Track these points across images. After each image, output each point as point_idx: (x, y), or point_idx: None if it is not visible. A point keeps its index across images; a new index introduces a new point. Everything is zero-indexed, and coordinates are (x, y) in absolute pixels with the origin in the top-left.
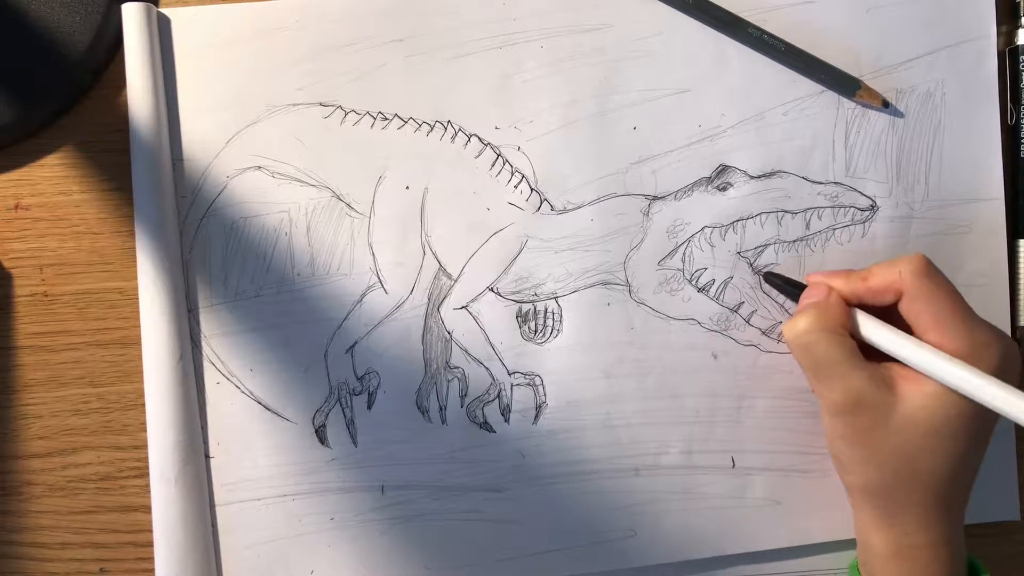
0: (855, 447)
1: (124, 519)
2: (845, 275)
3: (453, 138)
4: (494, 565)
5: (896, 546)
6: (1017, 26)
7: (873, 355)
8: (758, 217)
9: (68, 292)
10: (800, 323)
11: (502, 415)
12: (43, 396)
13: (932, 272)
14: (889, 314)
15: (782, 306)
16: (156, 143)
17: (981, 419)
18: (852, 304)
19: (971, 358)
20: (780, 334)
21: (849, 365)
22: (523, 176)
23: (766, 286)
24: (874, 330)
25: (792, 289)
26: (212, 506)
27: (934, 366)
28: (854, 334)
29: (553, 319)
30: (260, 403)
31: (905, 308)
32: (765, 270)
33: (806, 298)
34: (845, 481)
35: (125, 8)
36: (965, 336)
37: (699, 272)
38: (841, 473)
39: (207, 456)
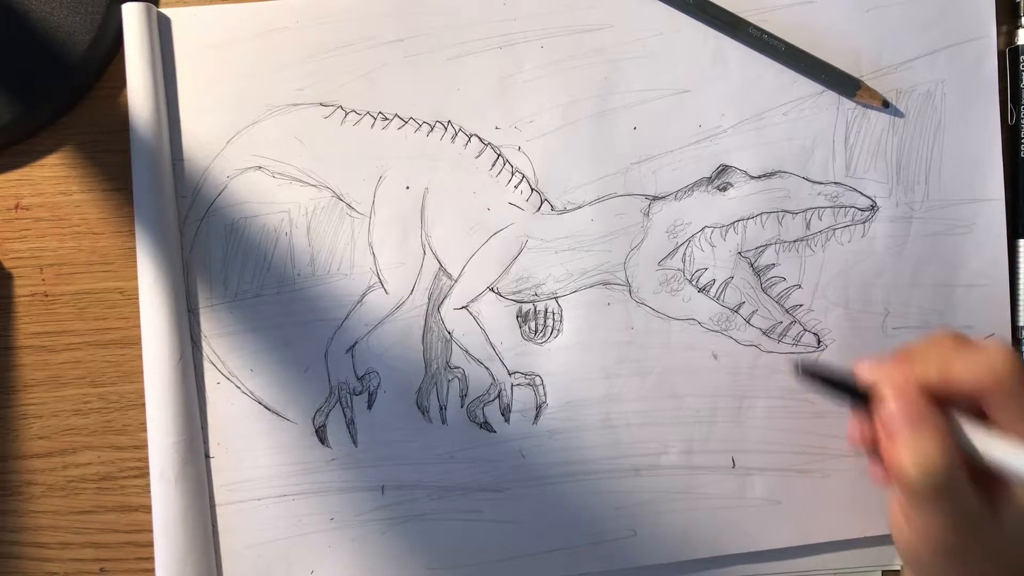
0: (954, 565)
1: (124, 519)
2: (911, 367)
3: (453, 138)
4: (494, 565)
5: None
6: (1017, 26)
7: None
8: (758, 217)
9: (68, 292)
10: (931, 454)
11: (502, 415)
12: (43, 396)
13: None
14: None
15: (782, 306)
16: (156, 143)
17: None
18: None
19: None
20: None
21: (987, 508)
22: (523, 176)
23: (766, 286)
24: (995, 447)
25: (844, 389)
26: (212, 506)
27: None
28: (961, 447)
29: (553, 319)
30: (260, 403)
31: (997, 405)
32: (802, 366)
33: (904, 415)
34: None
35: (125, 8)
36: None
37: (699, 272)
38: None
39: (207, 456)
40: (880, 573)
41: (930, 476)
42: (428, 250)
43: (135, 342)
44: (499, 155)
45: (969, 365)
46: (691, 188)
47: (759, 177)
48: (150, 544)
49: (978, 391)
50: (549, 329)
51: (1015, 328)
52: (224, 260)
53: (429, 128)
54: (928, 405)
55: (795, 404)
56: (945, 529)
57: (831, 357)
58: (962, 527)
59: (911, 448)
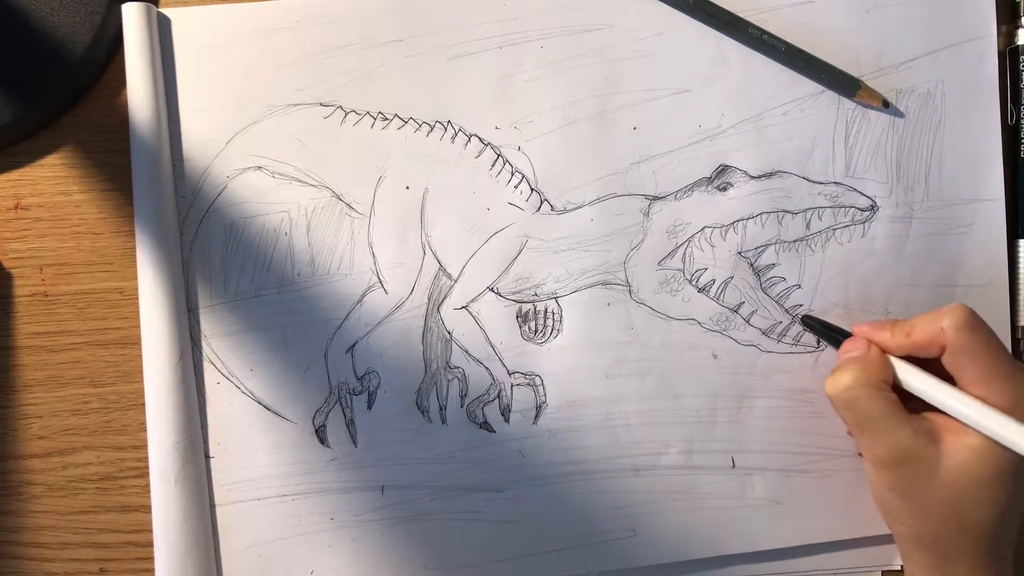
0: (903, 499)
1: (124, 519)
2: (889, 327)
3: (453, 138)
4: (494, 565)
5: None
6: (1017, 26)
7: (915, 401)
8: (758, 217)
9: (68, 292)
10: (843, 379)
11: (502, 415)
12: (43, 396)
13: (975, 325)
14: (933, 364)
15: (782, 306)
16: (156, 143)
17: None
18: (897, 356)
19: (1016, 411)
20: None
21: (894, 419)
22: (523, 176)
23: (766, 286)
24: (917, 381)
25: (832, 335)
26: (212, 506)
27: (978, 419)
28: (896, 384)
29: (553, 319)
30: (260, 403)
31: (948, 361)
32: (802, 314)
33: (847, 351)
34: (894, 531)
35: (125, 8)
36: (1009, 389)
37: (699, 272)
38: (889, 523)
39: (207, 456)
40: (880, 573)
41: (835, 388)
42: (428, 250)
43: (135, 342)
44: (499, 155)
45: (926, 323)
46: (691, 188)
47: (759, 177)
48: (150, 544)
49: (934, 347)
50: (549, 329)
51: (1015, 328)
52: (224, 260)
53: (429, 128)
54: (869, 349)
55: (795, 404)
56: (885, 454)
57: (831, 357)
58: (898, 452)
59: (835, 374)
